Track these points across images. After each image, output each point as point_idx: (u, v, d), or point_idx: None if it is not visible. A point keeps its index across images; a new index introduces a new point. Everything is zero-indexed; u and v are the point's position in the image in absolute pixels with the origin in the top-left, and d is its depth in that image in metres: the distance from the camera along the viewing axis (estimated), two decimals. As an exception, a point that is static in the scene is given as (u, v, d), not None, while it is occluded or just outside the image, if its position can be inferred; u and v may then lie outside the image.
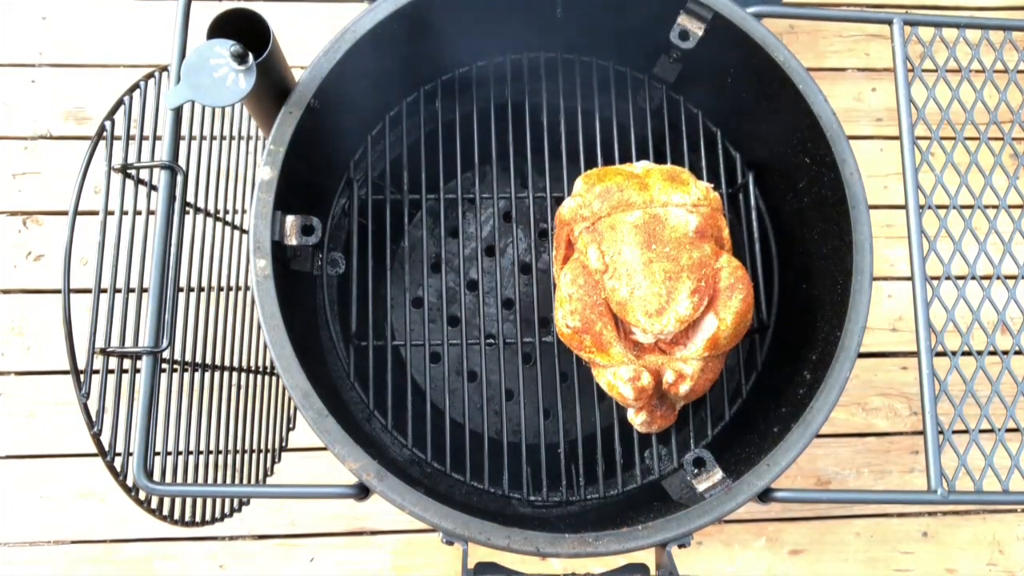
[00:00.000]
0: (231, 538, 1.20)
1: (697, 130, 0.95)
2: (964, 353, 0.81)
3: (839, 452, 1.30)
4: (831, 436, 1.30)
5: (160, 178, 0.75)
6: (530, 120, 0.93)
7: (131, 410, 0.71)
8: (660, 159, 0.94)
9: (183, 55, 0.75)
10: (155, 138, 0.77)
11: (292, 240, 0.75)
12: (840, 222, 0.79)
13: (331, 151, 0.89)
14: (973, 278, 0.83)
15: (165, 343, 0.72)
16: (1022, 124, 0.89)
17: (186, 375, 0.80)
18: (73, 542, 1.19)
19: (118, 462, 0.72)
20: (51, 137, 1.32)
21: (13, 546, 1.18)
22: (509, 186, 1.00)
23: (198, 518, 0.82)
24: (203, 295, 0.85)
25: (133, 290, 0.73)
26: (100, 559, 1.18)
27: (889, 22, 0.87)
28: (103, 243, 0.76)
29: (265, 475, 0.96)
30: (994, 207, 0.88)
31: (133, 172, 0.76)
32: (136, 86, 0.78)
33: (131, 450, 0.71)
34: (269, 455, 0.97)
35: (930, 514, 1.29)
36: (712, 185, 0.87)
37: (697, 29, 0.84)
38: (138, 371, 0.72)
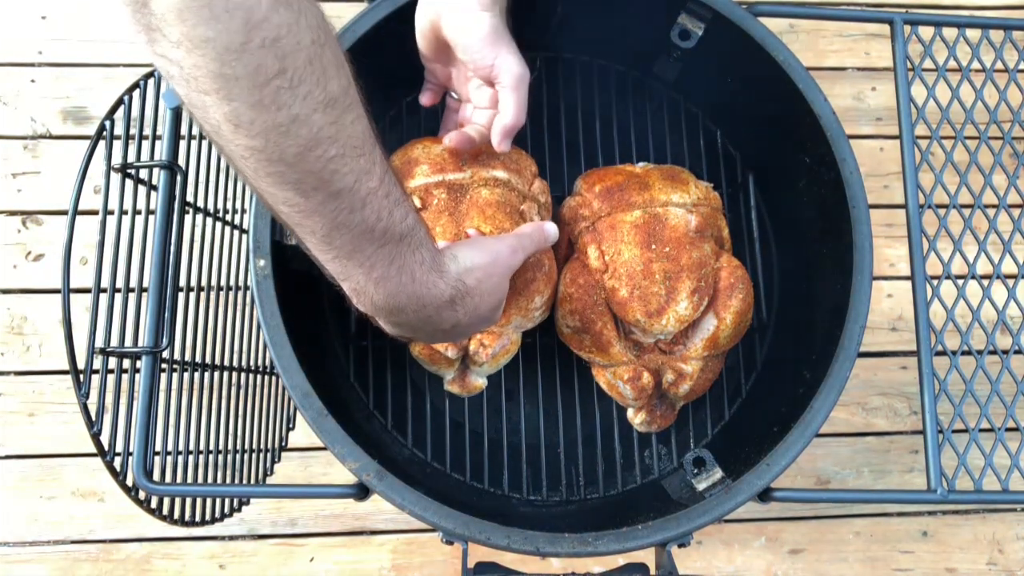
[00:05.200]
0: (231, 538, 1.20)
1: (697, 130, 0.95)
2: (964, 353, 0.81)
3: (839, 452, 1.30)
4: (831, 436, 1.30)
5: (160, 178, 0.75)
6: (530, 120, 0.93)
7: (131, 410, 0.71)
8: (660, 159, 0.94)
9: (183, 55, 0.75)
10: (155, 138, 0.77)
11: (292, 239, 0.75)
12: (840, 222, 0.79)
13: (331, 151, 0.89)
14: (973, 277, 0.83)
15: (165, 343, 0.72)
16: (1022, 123, 0.89)
17: (186, 375, 0.80)
18: (73, 542, 1.19)
19: (118, 462, 0.72)
20: (51, 137, 1.32)
21: (13, 546, 1.18)
22: (509, 186, 0.99)
23: (198, 518, 0.82)
24: (203, 295, 0.85)
25: (133, 290, 0.73)
26: (100, 559, 1.18)
27: (889, 21, 0.87)
28: (103, 243, 0.76)
29: (265, 475, 0.96)
30: (994, 206, 0.88)
31: (133, 172, 0.76)
32: (136, 85, 0.78)
33: (131, 450, 0.71)
34: (269, 455, 0.97)
35: (930, 513, 1.29)
36: (712, 185, 0.87)
37: (697, 29, 0.84)
38: (138, 371, 0.72)
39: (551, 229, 0.73)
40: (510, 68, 0.70)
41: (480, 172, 0.78)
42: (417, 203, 0.77)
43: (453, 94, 0.82)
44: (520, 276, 0.76)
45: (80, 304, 1.22)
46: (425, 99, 0.82)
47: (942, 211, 0.84)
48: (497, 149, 0.75)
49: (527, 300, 0.77)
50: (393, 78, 0.89)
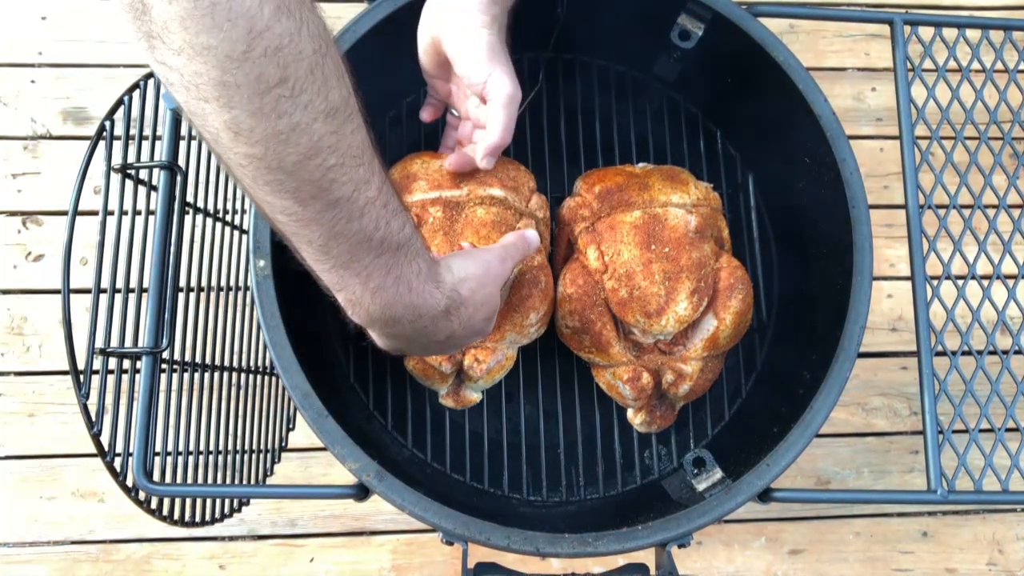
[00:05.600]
0: (231, 538, 1.20)
1: (697, 130, 0.95)
2: (964, 353, 0.81)
3: (839, 452, 1.30)
4: (831, 436, 1.30)
5: (160, 178, 0.75)
6: (530, 120, 0.93)
7: (131, 410, 0.71)
8: (660, 159, 0.94)
9: (183, 55, 0.75)
10: (155, 138, 0.77)
11: (291, 241, 0.74)
12: (840, 222, 0.79)
13: (331, 151, 0.89)
14: (973, 278, 0.83)
15: (165, 343, 0.72)
16: (1022, 124, 0.89)
17: (186, 375, 0.80)
18: (73, 542, 1.19)
19: (118, 462, 0.72)
20: (51, 137, 1.32)
21: (13, 546, 1.18)
22: (509, 186, 0.99)
23: (198, 518, 0.82)
24: (203, 295, 0.85)
25: (133, 290, 0.73)
26: (99, 559, 1.18)
27: (889, 22, 0.87)
28: (103, 243, 0.76)
29: (265, 475, 0.96)
30: (994, 207, 0.88)
31: (133, 172, 0.76)
32: (136, 86, 0.78)
33: (131, 451, 0.71)
34: (269, 455, 0.97)
35: (930, 514, 1.29)
36: (712, 185, 0.87)
37: (697, 29, 0.84)
38: (138, 371, 0.72)
39: (532, 236, 0.74)
40: (502, 86, 0.71)
41: (477, 190, 0.79)
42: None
43: (453, 111, 0.82)
44: (516, 292, 0.78)
45: (80, 304, 1.22)
46: (426, 115, 0.84)
47: (942, 211, 0.84)
48: (480, 166, 0.76)
49: (522, 316, 0.78)
50: (393, 79, 0.89)
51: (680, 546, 0.69)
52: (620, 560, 0.73)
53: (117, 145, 0.75)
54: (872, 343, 1.34)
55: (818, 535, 1.26)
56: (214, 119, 0.42)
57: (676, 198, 0.82)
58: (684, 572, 1.02)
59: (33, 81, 1.34)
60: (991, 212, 0.86)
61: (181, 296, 0.78)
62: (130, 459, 0.71)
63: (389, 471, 0.68)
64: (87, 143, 0.76)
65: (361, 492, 0.69)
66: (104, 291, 0.73)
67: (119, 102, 0.77)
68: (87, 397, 0.71)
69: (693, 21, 0.84)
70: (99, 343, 0.72)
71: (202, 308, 0.85)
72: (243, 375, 0.92)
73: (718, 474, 0.78)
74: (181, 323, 0.78)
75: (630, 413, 0.85)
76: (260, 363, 0.96)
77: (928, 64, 0.89)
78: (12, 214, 1.29)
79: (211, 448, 0.83)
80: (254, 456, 0.92)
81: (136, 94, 0.78)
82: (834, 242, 0.81)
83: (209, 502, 0.84)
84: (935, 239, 0.83)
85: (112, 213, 0.74)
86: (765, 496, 0.72)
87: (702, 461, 0.80)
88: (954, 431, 0.78)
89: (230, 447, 0.87)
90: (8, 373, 1.24)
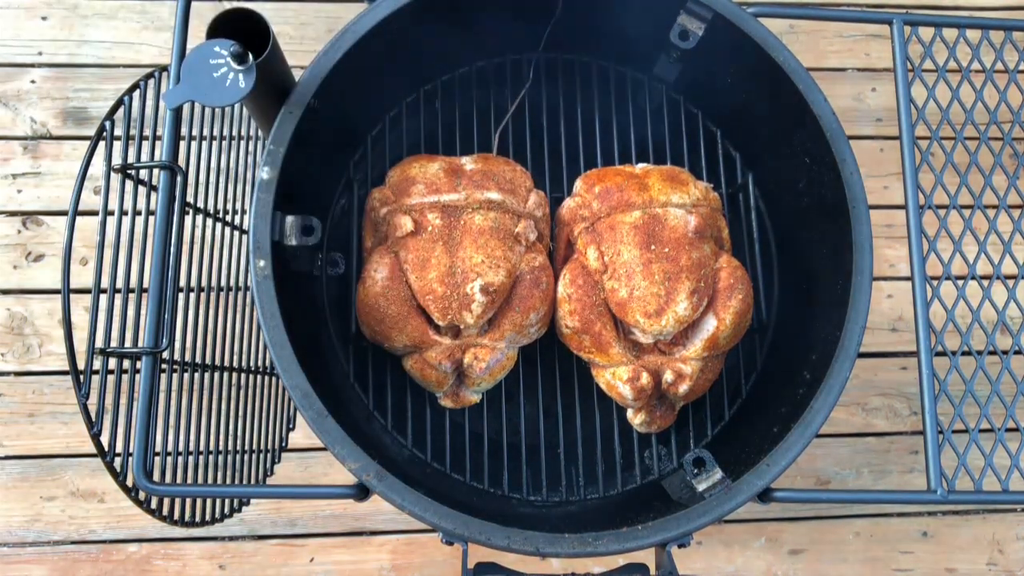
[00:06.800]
0: (231, 538, 1.20)
1: (697, 130, 0.95)
2: (964, 353, 0.81)
3: (839, 452, 1.30)
4: (831, 436, 1.30)
5: (160, 178, 0.75)
6: (530, 120, 0.93)
7: (131, 411, 0.71)
8: (660, 159, 0.94)
9: (182, 55, 0.75)
10: (155, 138, 0.77)
11: (292, 240, 0.75)
12: (840, 222, 0.79)
13: (331, 151, 0.89)
14: (973, 278, 0.83)
15: (165, 343, 0.72)
16: (1022, 124, 0.89)
17: (186, 375, 0.80)
18: (73, 542, 1.19)
19: (118, 462, 0.72)
20: (51, 137, 1.32)
21: (13, 546, 1.18)
22: (509, 186, 0.99)
23: (198, 518, 0.82)
24: (203, 295, 0.85)
25: (133, 290, 0.73)
26: (99, 559, 1.18)
27: (889, 22, 0.87)
28: (103, 243, 0.76)
29: (265, 475, 0.96)
30: (994, 207, 0.88)
31: (133, 172, 0.76)
32: (136, 86, 0.78)
33: (131, 451, 0.71)
34: (269, 455, 0.97)
35: (930, 514, 1.29)
36: (712, 185, 0.87)
37: (697, 29, 0.84)
38: (138, 371, 0.72)
39: None
40: None
41: (474, 194, 0.80)
42: (411, 225, 0.78)
43: None
44: (516, 292, 0.79)
45: (80, 304, 1.22)
46: None
47: (942, 211, 0.84)
48: None
49: (522, 316, 0.78)
50: (393, 79, 0.89)
51: (680, 546, 0.69)
52: (620, 560, 0.73)
53: (117, 145, 0.75)
54: (872, 343, 1.34)
55: (818, 535, 1.26)
56: None
57: (676, 198, 0.82)
58: (684, 572, 1.01)
59: (33, 81, 1.34)
60: (991, 212, 0.86)
61: (181, 296, 0.78)
62: (130, 459, 0.71)
63: (389, 471, 0.68)
64: (87, 143, 0.76)
65: (361, 492, 0.69)
66: (104, 291, 0.73)
67: (119, 102, 0.77)
68: (87, 397, 0.71)
69: (693, 21, 0.84)
70: (99, 343, 0.72)
71: (202, 308, 0.85)
72: (243, 375, 0.92)
73: (718, 474, 0.78)
74: (181, 323, 0.78)
75: (630, 413, 0.85)
76: (260, 363, 0.96)
77: (928, 64, 0.89)
78: (12, 214, 1.29)
79: (211, 448, 0.83)
80: (254, 456, 0.92)
81: (136, 94, 0.78)
82: (834, 242, 0.81)
83: (209, 502, 0.84)
84: (935, 239, 0.83)
85: (112, 213, 0.74)
86: (765, 496, 0.72)
87: (702, 461, 0.80)
88: (954, 431, 0.78)
89: (230, 447, 0.87)
90: (8, 373, 1.24)
